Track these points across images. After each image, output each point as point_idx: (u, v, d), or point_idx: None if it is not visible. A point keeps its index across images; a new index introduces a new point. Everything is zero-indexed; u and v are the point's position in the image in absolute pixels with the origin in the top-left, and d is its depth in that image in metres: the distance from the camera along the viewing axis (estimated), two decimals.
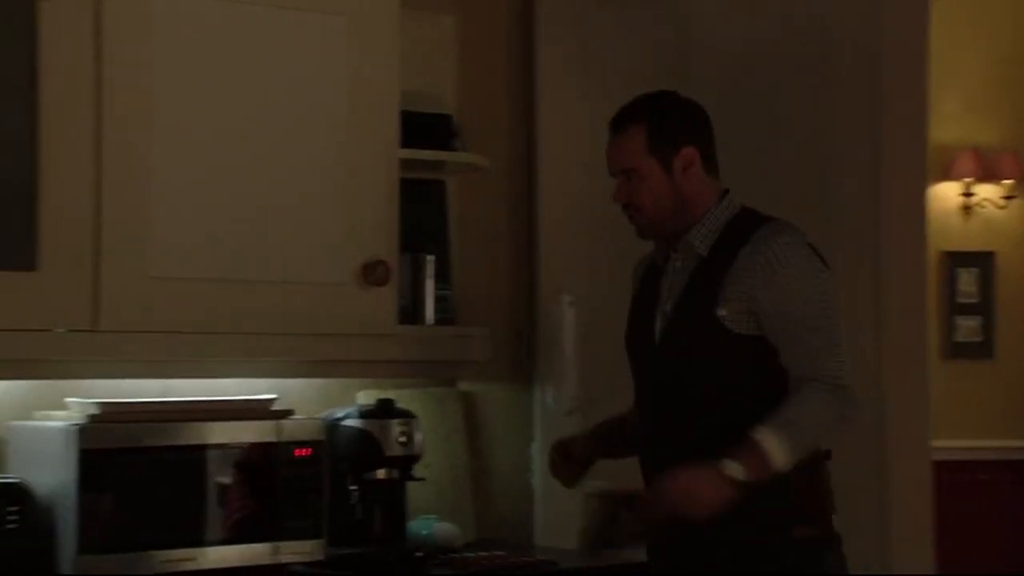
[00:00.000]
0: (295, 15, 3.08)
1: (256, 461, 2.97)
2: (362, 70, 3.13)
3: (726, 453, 2.55)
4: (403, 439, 3.20)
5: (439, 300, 3.45)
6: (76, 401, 2.89)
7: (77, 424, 2.80)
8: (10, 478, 2.81)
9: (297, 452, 3.02)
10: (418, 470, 3.27)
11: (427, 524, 3.33)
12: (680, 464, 2.57)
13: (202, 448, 2.92)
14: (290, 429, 3.03)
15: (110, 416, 2.85)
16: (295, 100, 3.06)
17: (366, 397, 3.40)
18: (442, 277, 3.52)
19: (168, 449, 2.88)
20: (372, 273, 3.12)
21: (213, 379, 3.13)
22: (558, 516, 3.61)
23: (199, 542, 2.89)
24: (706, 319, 2.67)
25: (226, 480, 2.94)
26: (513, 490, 3.63)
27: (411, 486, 3.28)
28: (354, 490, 3.20)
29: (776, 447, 2.56)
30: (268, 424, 3.00)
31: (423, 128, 3.47)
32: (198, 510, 2.90)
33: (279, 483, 2.99)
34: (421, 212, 3.55)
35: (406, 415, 3.24)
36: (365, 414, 3.23)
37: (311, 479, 3.03)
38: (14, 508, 2.72)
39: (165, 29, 2.92)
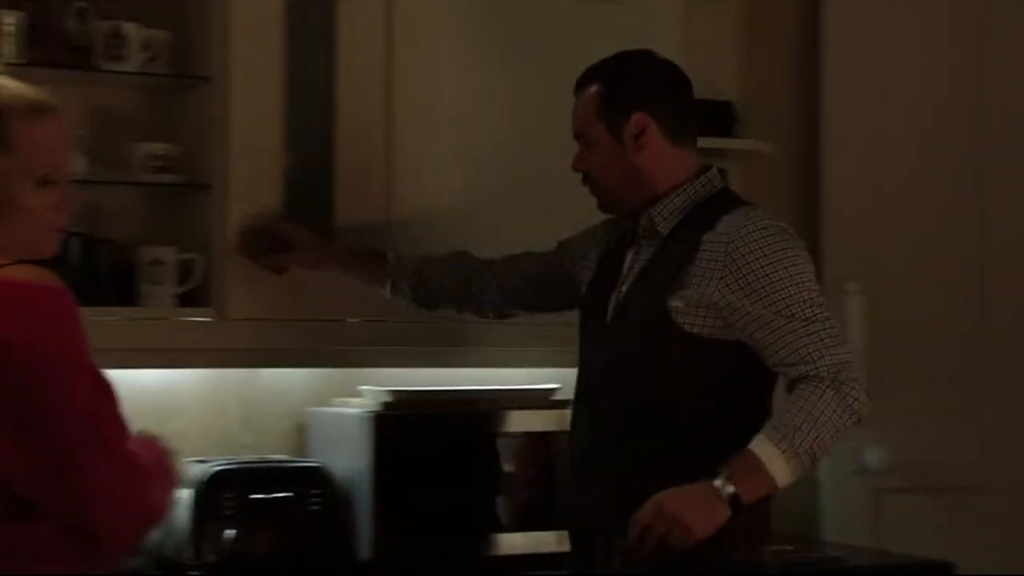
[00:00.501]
0: (579, 4, 3.10)
1: (538, 449, 3.00)
2: None
3: (719, 467, 2.22)
4: None
5: None
6: (370, 389, 2.98)
7: (372, 411, 2.88)
8: (311, 462, 2.91)
9: None
10: None
11: None
12: (649, 482, 2.23)
13: (489, 436, 2.96)
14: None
15: (402, 404, 2.93)
16: None
17: None
18: None
19: (456, 437, 2.94)
20: None
21: (496, 368, 3.17)
22: (846, 511, 3.54)
23: (488, 528, 2.94)
24: (654, 309, 2.35)
25: (511, 468, 2.98)
26: (799, 483, 3.54)
27: None
28: None
29: (776, 459, 2.21)
30: (550, 413, 3.02)
31: (704, 115, 3.41)
32: (486, 497, 2.95)
33: (560, 472, 3.01)
34: None
35: None
36: None
37: None
38: (316, 491, 2.82)
39: (453, 24, 2.97)
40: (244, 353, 2.84)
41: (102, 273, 2.80)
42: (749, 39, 3.63)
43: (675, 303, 2.33)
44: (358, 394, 3.01)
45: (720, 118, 3.53)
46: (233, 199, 2.79)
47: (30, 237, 1.88)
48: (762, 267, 2.31)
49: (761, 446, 2.22)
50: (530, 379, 3.16)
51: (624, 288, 2.43)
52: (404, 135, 2.94)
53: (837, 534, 3.51)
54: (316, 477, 2.84)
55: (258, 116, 2.81)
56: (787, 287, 2.30)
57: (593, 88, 2.45)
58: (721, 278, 2.32)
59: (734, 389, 2.35)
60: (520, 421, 3.00)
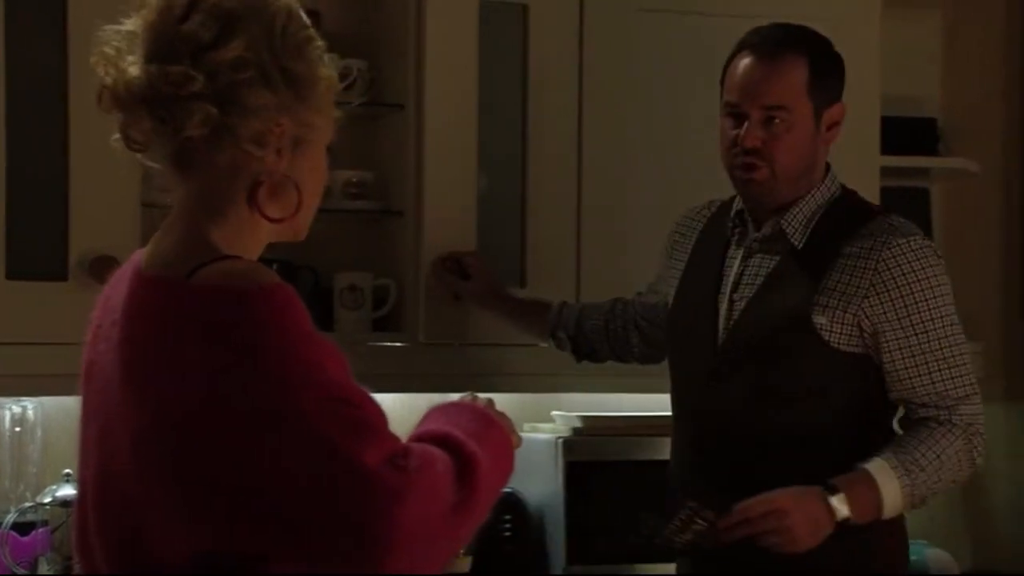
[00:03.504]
0: (763, 23, 3.11)
1: None
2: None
3: (837, 484, 2.20)
4: None
5: None
6: (561, 415, 3.04)
7: (563, 437, 2.95)
8: (505, 488, 2.98)
9: None
10: None
11: (917, 550, 3.26)
12: (766, 483, 2.19)
13: None
14: None
15: (593, 430, 2.99)
16: None
17: None
18: None
19: (646, 463, 2.98)
20: None
21: None
22: None
23: (675, 557, 2.96)
24: (798, 323, 2.27)
25: None
26: (1013, 517, 3.49)
27: None
28: None
29: (893, 491, 2.21)
30: None
31: (906, 132, 3.42)
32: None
33: None
34: None
35: None
36: None
37: None
38: (508, 517, 2.90)
39: (644, 43, 3.03)
40: (436, 378, 2.92)
41: (301, 299, 2.92)
42: (952, 52, 3.59)
43: (818, 318, 2.29)
44: (549, 419, 3.08)
45: (923, 136, 3.51)
46: (426, 225, 2.89)
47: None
48: (912, 292, 2.28)
49: (882, 474, 2.23)
50: None
51: (741, 295, 2.37)
52: (594, 158, 3.00)
53: None
54: (508, 502, 2.93)
55: (451, 143, 2.91)
56: (936, 318, 2.30)
57: (802, 60, 2.33)
58: (866, 296, 2.29)
59: (865, 403, 2.33)
60: None
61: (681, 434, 2.45)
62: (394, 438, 1.53)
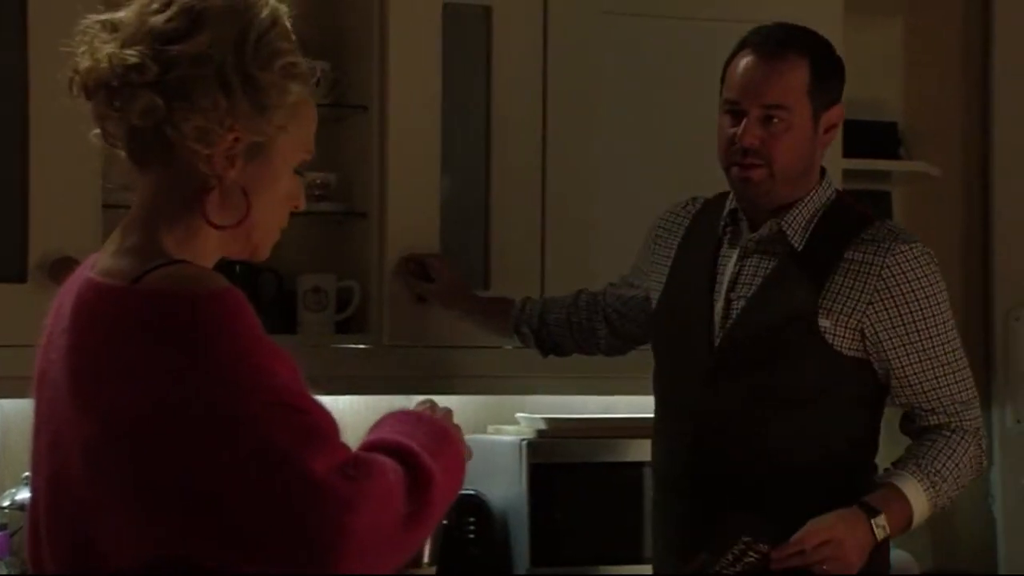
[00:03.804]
0: (730, 25, 3.12)
1: None
2: None
3: (874, 504, 2.25)
4: None
5: None
6: (525, 417, 3.04)
7: (527, 439, 2.95)
8: (467, 490, 2.99)
9: None
10: None
11: None
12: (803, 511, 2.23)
13: (641, 465, 3.00)
14: None
15: (557, 432, 2.99)
16: None
17: None
18: None
19: (610, 465, 2.98)
20: None
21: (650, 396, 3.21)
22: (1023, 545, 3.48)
23: (640, 559, 2.98)
24: (801, 325, 2.28)
25: None
26: (973, 518, 3.52)
27: None
28: None
29: (922, 505, 2.27)
30: None
31: (867, 137, 3.44)
32: (638, 527, 2.99)
33: None
34: None
35: None
36: None
37: None
38: (472, 519, 2.90)
39: (609, 45, 3.04)
40: (400, 380, 2.92)
41: (264, 301, 2.91)
42: (913, 57, 3.62)
43: (822, 321, 2.30)
44: (513, 421, 3.08)
45: (885, 140, 3.53)
46: (389, 227, 2.89)
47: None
48: (917, 299, 2.31)
49: (911, 490, 2.28)
50: None
51: (739, 295, 2.36)
52: (559, 160, 3.00)
53: (1012, 569, 3.45)
54: (472, 504, 2.93)
55: (415, 144, 2.91)
56: (939, 324, 2.33)
57: (803, 61, 2.32)
58: (870, 303, 2.31)
59: (862, 406, 2.36)
60: None
61: (674, 433, 2.43)
62: (344, 447, 1.52)
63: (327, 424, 1.51)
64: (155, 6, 1.57)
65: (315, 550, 1.45)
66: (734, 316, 2.36)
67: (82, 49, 1.57)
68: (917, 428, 2.36)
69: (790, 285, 2.34)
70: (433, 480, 1.55)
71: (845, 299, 2.31)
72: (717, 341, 2.37)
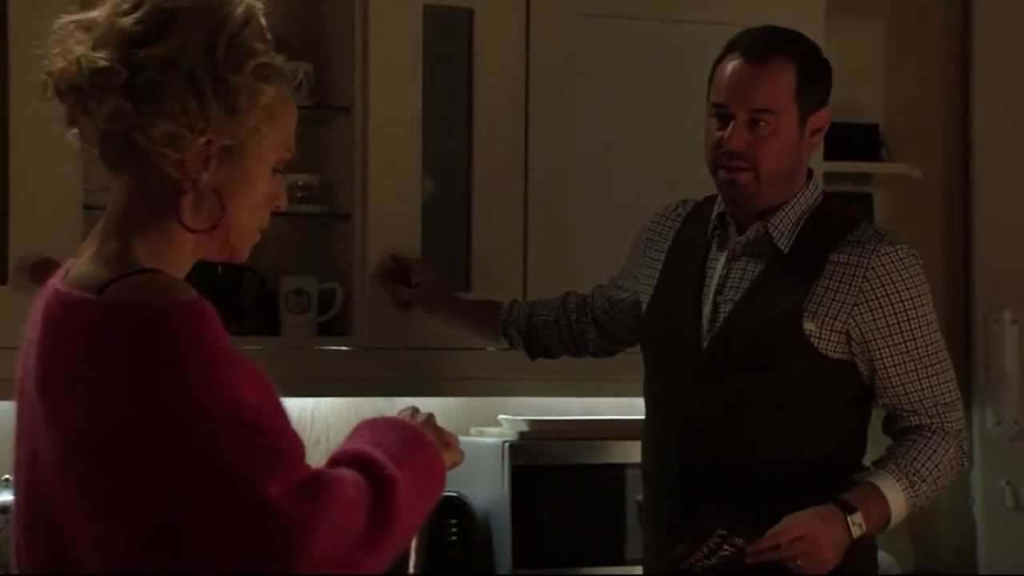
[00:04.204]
0: (712, 28, 3.13)
1: None
2: None
3: (851, 502, 2.26)
4: None
5: None
6: (507, 418, 3.04)
7: (509, 441, 2.95)
8: (449, 492, 2.99)
9: None
10: None
11: None
12: (790, 502, 2.25)
13: (622, 467, 3.00)
14: None
15: (539, 433, 2.99)
16: None
17: None
18: None
19: (592, 466, 2.99)
20: None
21: (635, 398, 3.21)
22: (1003, 547, 3.49)
23: (622, 560, 2.98)
24: (787, 327, 2.30)
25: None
26: (953, 519, 3.53)
27: None
28: None
29: (900, 504, 2.28)
30: None
31: (849, 139, 3.45)
32: (621, 528, 2.99)
33: None
34: None
35: None
36: None
37: None
38: (454, 521, 2.90)
39: (590, 48, 3.04)
40: (383, 382, 2.92)
41: (246, 303, 2.90)
42: (894, 60, 3.63)
43: (808, 324, 2.31)
44: (496, 423, 3.08)
45: (866, 141, 3.54)
46: (371, 229, 2.89)
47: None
48: (902, 300, 2.33)
49: (890, 489, 2.28)
50: None
51: (726, 298, 2.38)
52: (541, 162, 3.01)
53: (992, 570, 3.47)
54: (454, 506, 2.93)
55: (396, 146, 2.91)
56: (923, 326, 2.34)
57: (791, 65, 2.33)
58: (855, 304, 2.32)
59: (847, 408, 2.38)
60: None
61: (662, 435, 2.45)
62: (303, 466, 1.48)
63: (287, 444, 1.48)
64: (125, 7, 1.55)
65: (270, 574, 1.42)
66: (721, 319, 2.38)
67: (56, 50, 1.55)
68: (899, 428, 2.37)
69: (776, 288, 2.36)
70: (397, 489, 1.50)
71: (831, 302, 2.32)
72: (705, 344, 2.39)
